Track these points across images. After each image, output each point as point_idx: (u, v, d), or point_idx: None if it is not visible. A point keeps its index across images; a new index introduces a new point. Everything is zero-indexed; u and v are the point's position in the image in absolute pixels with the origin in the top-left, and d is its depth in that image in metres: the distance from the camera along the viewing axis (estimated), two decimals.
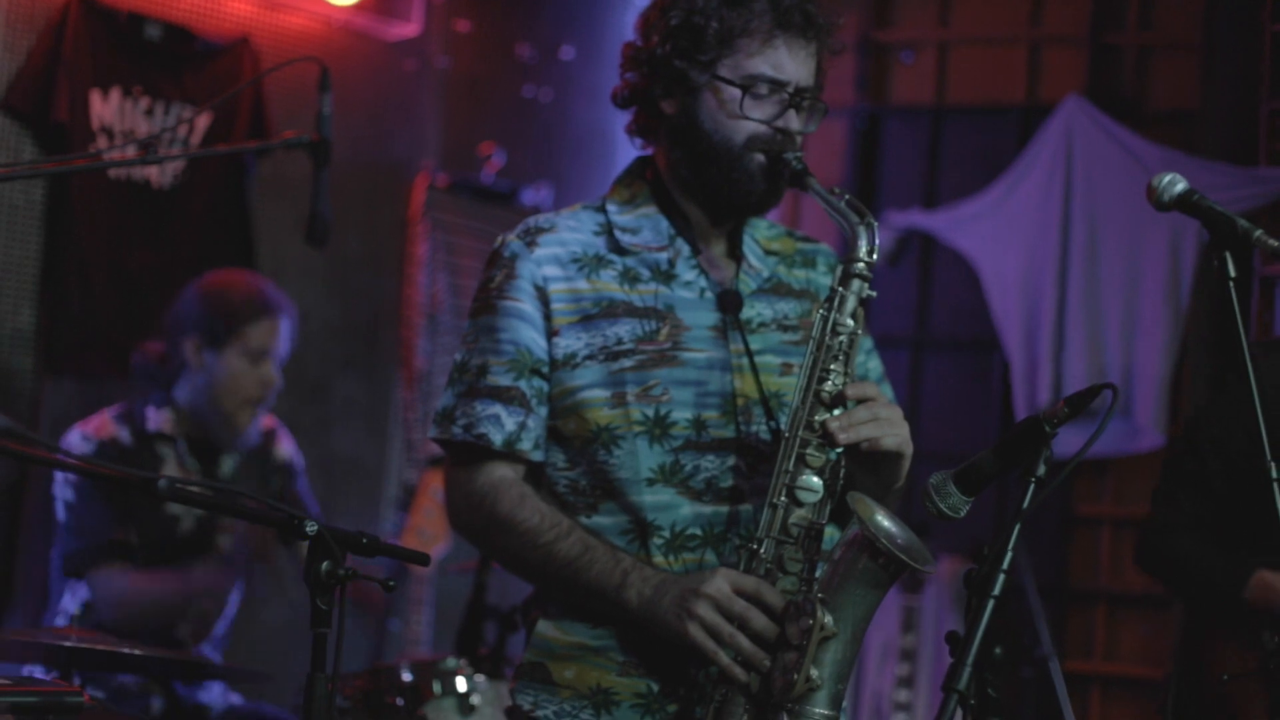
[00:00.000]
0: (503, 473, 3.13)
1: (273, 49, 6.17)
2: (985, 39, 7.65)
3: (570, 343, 3.11)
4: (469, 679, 4.32)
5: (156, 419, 5.07)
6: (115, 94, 5.82)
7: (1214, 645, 3.99)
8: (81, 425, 5.07)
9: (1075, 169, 7.11)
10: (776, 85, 3.13)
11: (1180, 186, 3.15)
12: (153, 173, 5.93)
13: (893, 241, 7.54)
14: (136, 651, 4.07)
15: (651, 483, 3.06)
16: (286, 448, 5.39)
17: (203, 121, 6.02)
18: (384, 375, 6.76)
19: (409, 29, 6.55)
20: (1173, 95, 7.34)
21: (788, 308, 3.23)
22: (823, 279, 3.28)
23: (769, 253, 3.29)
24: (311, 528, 2.78)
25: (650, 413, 3.07)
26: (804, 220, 7.54)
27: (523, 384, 3.11)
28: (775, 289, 3.25)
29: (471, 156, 6.96)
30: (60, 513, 4.98)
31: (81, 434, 5.03)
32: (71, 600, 4.94)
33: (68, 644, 3.81)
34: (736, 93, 3.12)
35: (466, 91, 7.00)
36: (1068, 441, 7.14)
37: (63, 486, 4.97)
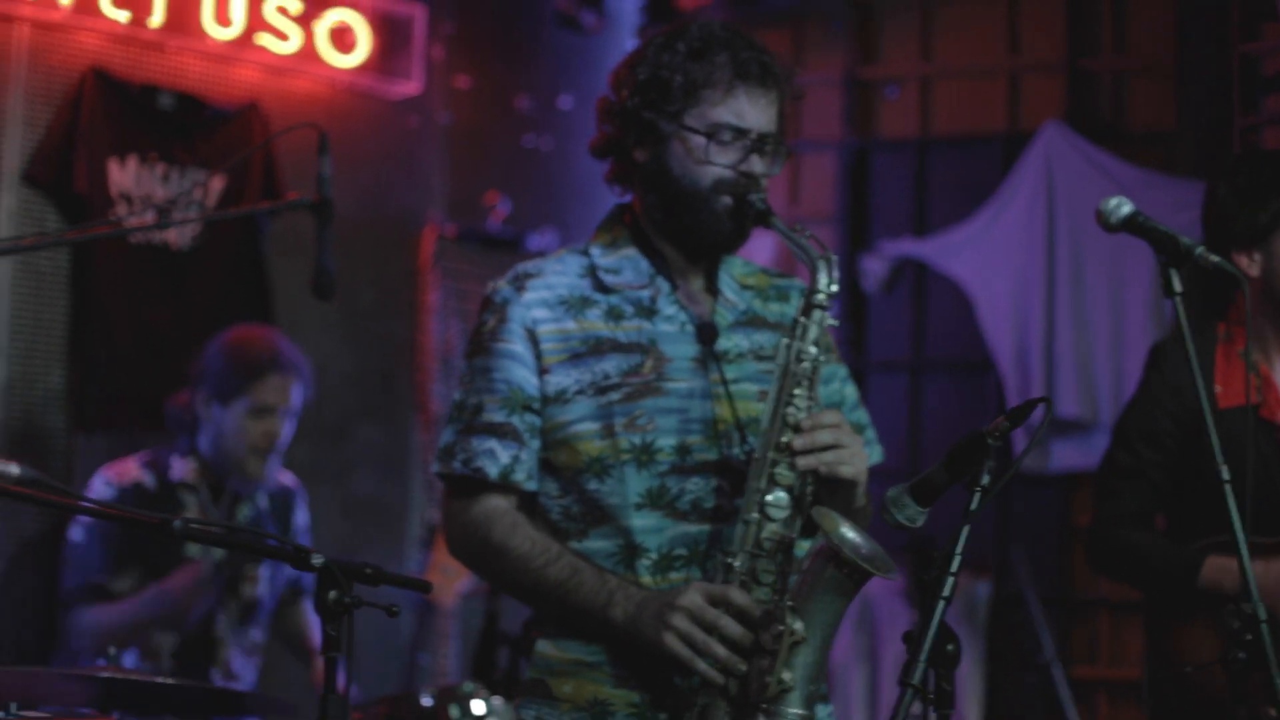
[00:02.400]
0: (496, 503, 3.32)
1: (281, 112, 6.37)
2: (966, 70, 7.80)
3: (561, 380, 3.31)
4: (486, 701, 4.52)
5: (181, 468, 5.29)
6: (132, 162, 6.05)
7: (1179, 635, 4.10)
8: (106, 469, 5.30)
9: (1057, 192, 7.27)
10: (739, 132, 3.32)
11: (1126, 209, 3.33)
12: (171, 235, 6.14)
13: (886, 270, 7.70)
14: (169, 682, 4.28)
15: (640, 507, 3.25)
16: (301, 516, 5.59)
17: (217, 184, 6.22)
18: (402, 419, 6.95)
19: (410, 87, 6.75)
20: (1149, 117, 7.49)
21: (764, 339, 3.40)
22: (795, 312, 3.48)
23: (745, 287, 3.47)
24: (318, 559, 2.99)
25: (637, 441, 3.26)
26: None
27: (515, 419, 3.31)
28: (751, 321, 3.42)
29: (477, 206, 7.13)
30: (65, 550, 5.26)
31: (104, 479, 5.26)
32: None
33: (102, 677, 4.01)
34: (702, 140, 3.31)
35: (469, 144, 7.17)
36: (1062, 455, 7.30)
37: (74, 525, 5.21)
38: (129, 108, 6.04)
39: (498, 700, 4.56)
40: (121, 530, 5.16)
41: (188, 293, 6.19)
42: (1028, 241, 7.30)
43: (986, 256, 7.40)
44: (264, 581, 5.40)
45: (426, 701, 4.49)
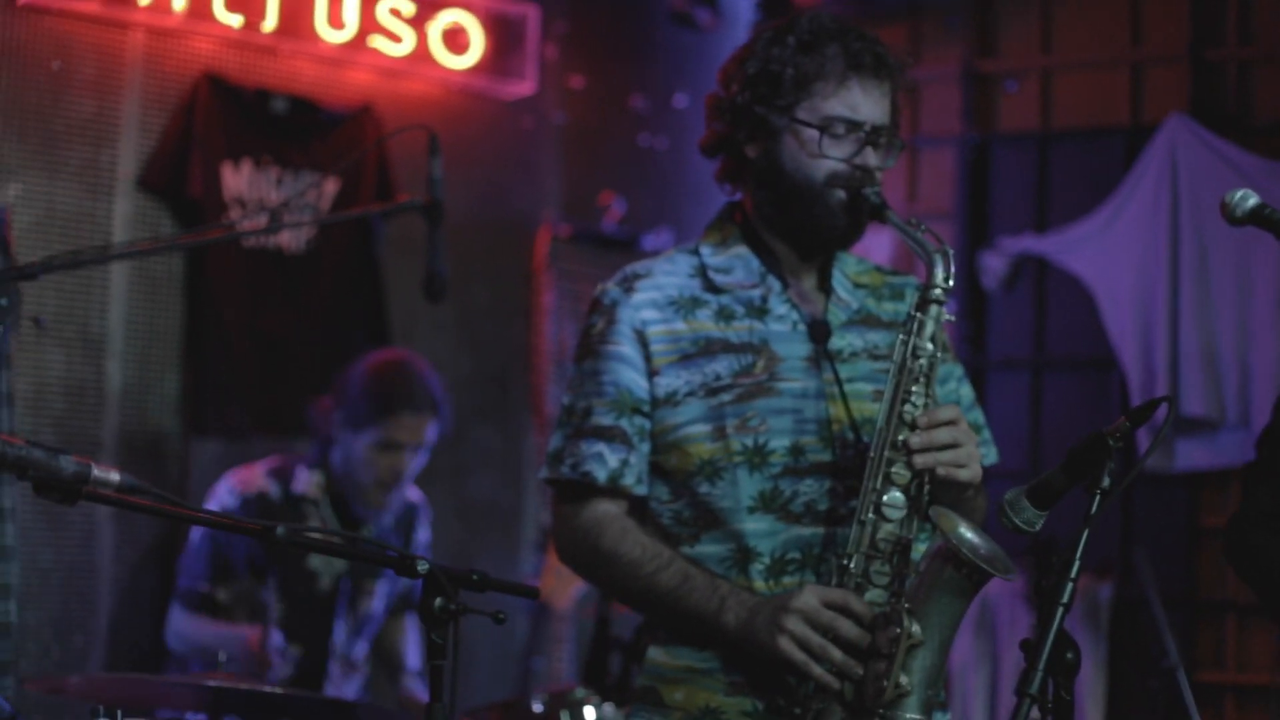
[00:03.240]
0: (606, 508, 3.29)
1: (394, 114, 6.36)
2: (1088, 63, 7.69)
3: (671, 381, 3.27)
4: (596, 708, 4.49)
5: (304, 481, 5.27)
6: (246, 166, 6.06)
7: None
8: (231, 476, 5.30)
9: (1181, 185, 7.15)
10: (853, 125, 3.27)
11: (1252, 201, 3.24)
12: (285, 239, 6.16)
13: (1006, 266, 7.60)
14: (278, 691, 4.27)
15: (752, 510, 3.21)
16: (423, 535, 5.55)
17: (331, 188, 6.23)
18: (517, 421, 6.94)
19: (524, 88, 6.73)
20: (1275, 108, 7.33)
21: (878, 338, 3.35)
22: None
23: (858, 286, 3.42)
24: (423, 566, 2.96)
25: (749, 443, 3.21)
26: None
27: (624, 422, 3.27)
28: (865, 320, 3.37)
29: (591, 206, 7.12)
30: (184, 549, 5.31)
31: (228, 486, 5.26)
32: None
33: (212, 685, 4.01)
34: (815, 134, 3.27)
35: (584, 144, 7.15)
36: (1187, 455, 7.19)
37: (195, 528, 5.23)
38: (243, 112, 6.05)
39: (608, 707, 4.52)
40: (235, 539, 5.16)
41: (302, 297, 6.19)
42: (1151, 236, 7.19)
43: (1109, 252, 7.29)
44: (380, 596, 5.38)
45: (537, 707, 4.46)
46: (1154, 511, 7.33)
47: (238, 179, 6.03)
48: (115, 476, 2.53)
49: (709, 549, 3.25)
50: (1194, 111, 7.33)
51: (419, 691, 5.30)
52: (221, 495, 5.26)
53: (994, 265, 7.59)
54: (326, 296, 6.25)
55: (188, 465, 5.91)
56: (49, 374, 5.66)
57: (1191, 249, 7.14)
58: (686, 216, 7.23)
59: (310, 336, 6.16)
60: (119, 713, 3.11)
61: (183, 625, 5.27)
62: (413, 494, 5.52)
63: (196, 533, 5.27)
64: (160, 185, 5.89)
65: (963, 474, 3.13)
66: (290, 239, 6.16)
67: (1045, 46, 7.77)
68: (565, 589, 5.80)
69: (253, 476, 5.28)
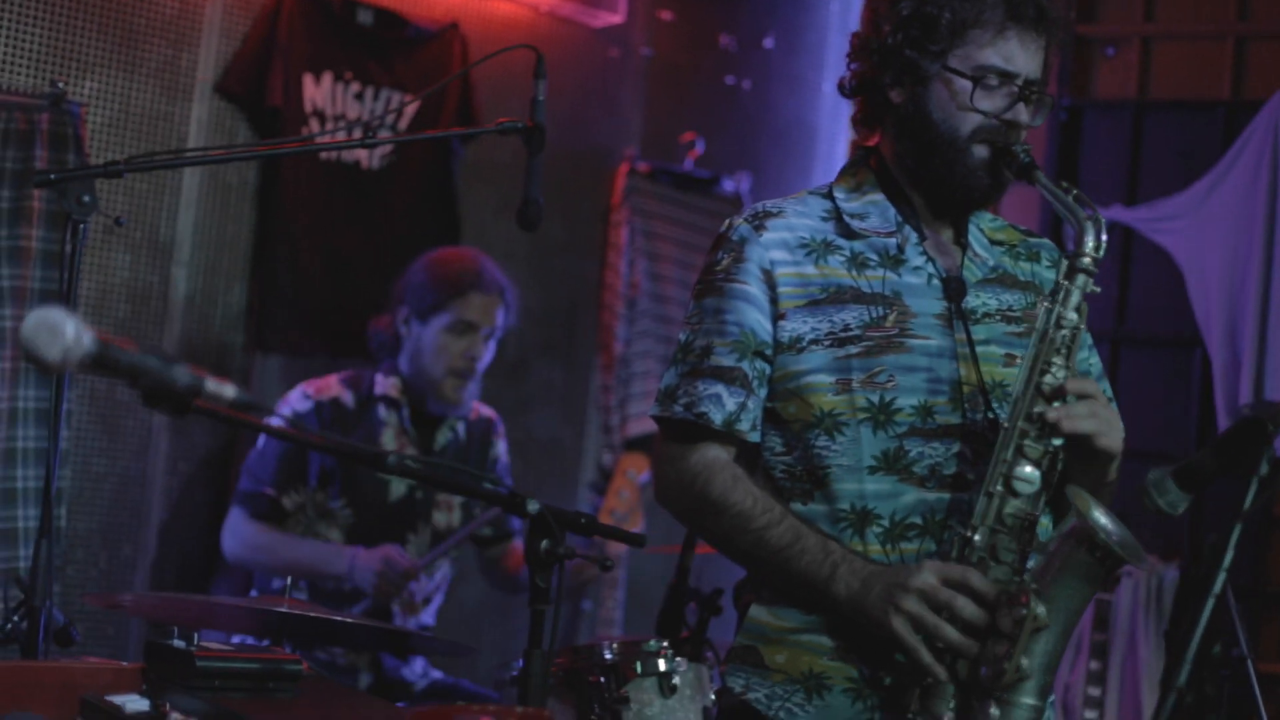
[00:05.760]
0: (717, 453, 3.15)
1: (481, 35, 6.25)
2: (1190, 34, 7.54)
3: (796, 326, 3.12)
4: (670, 660, 4.35)
5: (384, 384, 5.22)
6: (327, 78, 5.93)
7: None
8: (305, 385, 5.24)
9: None
10: (1007, 77, 3.13)
11: None
12: (362, 155, 6.04)
13: None
14: (348, 620, 4.16)
15: (873, 470, 3.07)
16: (501, 448, 5.48)
17: (411, 105, 6.11)
18: (582, 359, 6.82)
19: (614, 17, 6.61)
20: None
21: (1013, 299, 3.22)
22: (1046, 272, 3.27)
23: (994, 243, 3.29)
24: (534, 506, 2.84)
25: (875, 399, 3.08)
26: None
27: (745, 365, 3.13)
28: (1001, 279, 3.24)
29: (672, 144, 6.99)
30: (250, 452, 5.22)
31: (303, 391, 5.21)
32: None
33: (280, 610, 3.89)
34: (967, 84, 3.12)
35: (668, 80, 7.03)
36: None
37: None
38: (328, 23, 5.92)
39: (682, 660, 4.38)
40: (304, 448, 5.08)
41: (376, 215, 6.07)
42: (1247, 216, 7.03)
43: (1201, 229, 7.13)
44: (458, 509, 5.28)
45: (608, 656, 4.32)
46: (1227, 497, 7.17)
47: (318, 91, 5.89)
48: (230, 391, 2.38)
49: (823, 508, 3.11)
50: None
51: (398, 557, 5.16)
52: (294, 401, 5.20)
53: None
54: (400, 216, 6.13)
55: (249, 381, 5.78)
56: (114, 277, 5.54)
57: None
58: (766, 161, 7.10)
59: (381, 257, 6.02)
60: (195, 636, 2.98)
61: (247, 532, 5.19)
62: (486, 410, 5.48)
63: (261, 438, 5.19)
64: (239, 91, 5.76)
65: (1104, 440, 3.00)
66: (367, 155, 6.03)
67: (1148, 14, 7.60)
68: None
69: (327, 384, 5.26)
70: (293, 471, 5.13)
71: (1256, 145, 7.07)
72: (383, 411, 5.21)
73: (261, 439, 5.16)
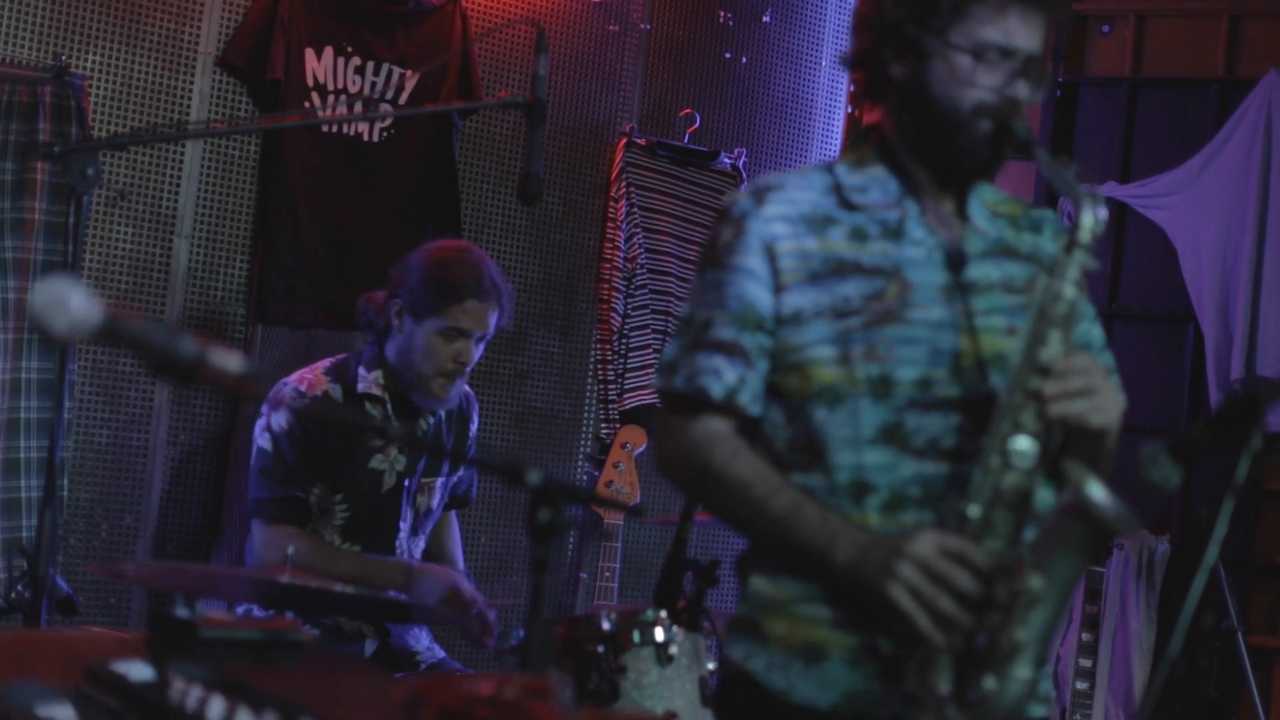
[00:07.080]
0: (718, 425, 3.16)
1: (481, 10, 6.27)
2: (1184, 11, 7.56)
3: (797, 300, 3.14)
4: (667, 630, 4.41)
5: (366, 381, 5.12)
6: (328, 53, 5.96)
7: None
8: (293, 377, 5.17)
9: (1275, 144, 7.04)
10: (1007, 53, 3.14)
11: None
12: (363, 128, 6.06)
13: None
14: (349, 591, 4.20)
15: (873, 442, 3.09)
16: (475, 421, 5.46)
17: (411, 78, 6.13)
18: (580, 331, 6.85)
19: None
20: None
21: (1015, 271, 3.24)
22: (1048, 245, 3.29)
23: (996, 215, 3.30)
24: (535, 477, 2.86)
25: (875, 371, 3.09)
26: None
27: (745, 338, 3.15)
28: (1003, 251, 3.25)
29: (669, 119, 7.02)
30: (254, 459, 5.09)
31: (296, 388, 5.12)
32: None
33: (283, 581, 3.93)
34: (967, 60, 3.13)
35: (666, 54, 7.04)
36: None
37: (261, 434, 5.08)
38: None
39: (679, 630, 4.43)
40: (321, 438, 5.02)
41: (376, 187, 6.10)
42: (1240, 193, 7.07)
43: (1194, 205, 7.17)
44: (438, 492, 5.30)
45: (606, 625, 4.38)
46: (1216, 471, 7.22)
47: (319, 66, 5.92)
48: (235, 362, 2.40)
49: (822, 479, 3.13)
50: None
51: (465, 586, 5.18)
52: (289, 397, 5.14)
53: (1073, 210, 7.48)
54: (401, 189, 6.16)
55: (250, 353, 5.82)
56: (117, 248, 5.58)
57: None
58: (762, 137, 7.12)
59: (381, 230, 6.06)
60: (198, 603, 3.01)
61: (290, 548, 4.59)
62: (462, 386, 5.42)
63: (266, 440, 5.06)
64: (241, 65, 5.79)
65: (1096, 418, 3.02)
66: (368, 128, 6.06)
67: None
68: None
69: (316, 378, 5.15)
70: (312, 468, 5.07)
71: (1250, 123, 7.11)
72: (368, 407, 5.15)
73: (263, 443, 5.09)
